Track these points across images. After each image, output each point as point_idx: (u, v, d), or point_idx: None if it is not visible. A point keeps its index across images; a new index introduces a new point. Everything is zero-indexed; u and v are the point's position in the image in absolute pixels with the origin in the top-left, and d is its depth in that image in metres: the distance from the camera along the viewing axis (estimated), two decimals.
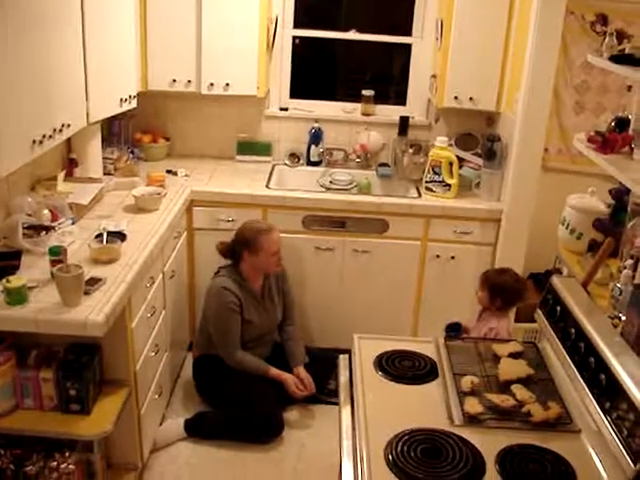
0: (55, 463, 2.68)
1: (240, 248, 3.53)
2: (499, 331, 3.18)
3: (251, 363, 3.55)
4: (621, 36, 2.67)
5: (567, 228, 3.38)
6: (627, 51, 2.72)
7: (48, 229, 3.00)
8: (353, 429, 2.07)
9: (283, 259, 3.64)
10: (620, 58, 2.61)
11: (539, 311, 2.49)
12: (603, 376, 1.91)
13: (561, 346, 2.22)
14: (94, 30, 3.11)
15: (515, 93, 3.64)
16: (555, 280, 2.46)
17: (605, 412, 1.86)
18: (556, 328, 2.31)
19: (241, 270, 3.57)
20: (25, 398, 2.68)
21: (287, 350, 3.73)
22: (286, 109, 4.51)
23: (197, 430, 3.49)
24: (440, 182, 3.96)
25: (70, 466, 2.69)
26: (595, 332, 2.05)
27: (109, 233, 3.09)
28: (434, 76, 4.13)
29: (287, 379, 3.55)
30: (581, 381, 2.03)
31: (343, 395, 2.30)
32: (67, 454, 2.71)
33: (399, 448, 1.86)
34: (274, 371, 3.55)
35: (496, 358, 2.33)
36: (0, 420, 2.63)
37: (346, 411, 2.21)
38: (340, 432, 2.14)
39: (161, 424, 3.49)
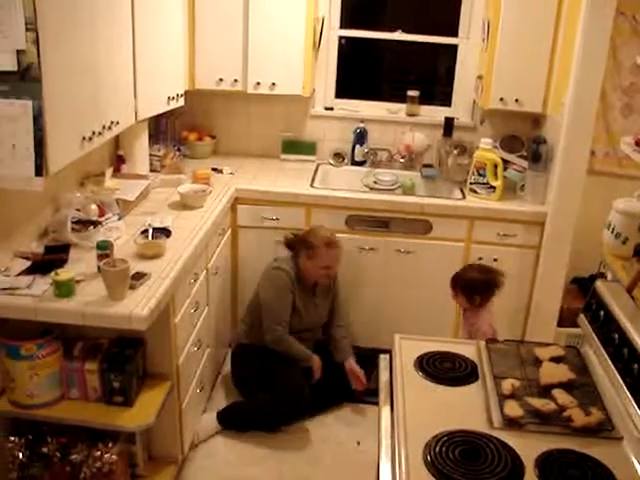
0: (99, 453, 2.74)
1: (300, 247, 3.59)
2: (480, 327, 3.20)
3: (294, 344, 3.55)
4: None
5: (612, 232, 3.32)
6: None
7: (95, 224, 3.07)
8: (392, 429, 2.07)
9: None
10: None
11: (582, 316, 2.46)
12: None
13: (604, 351, 2.20)
14: (144, 29, 3.17)
15: (562, 95, 3.60)
16: (599, 285, 2.43)
17: None
18: (599, 333, 2.28)
19: (299, 263, 3.61)
20: (71, 388, 2.75)
21: (336, 346, 3.76)
22: (331, 109, 4.53)
23: (230, 420, 3.53)
24: (484, 184, 3.93)
25: (113, 456, 2.75)
26: (639, 338, 2.03)
27: (154, 229, 3.14)
28: (480, 77, 4.10)
29: (316, 362, 3.59)
30: (624, 387, 2.01)
31: (383, 395, 2.30)
32: (110, 445, 2.76)
33: (438, 449, 1.86)
34: (315, 358, 3.57)
35: (537, 362, 2.31)
36: (47, 409, 2.70)
37: (386, 411, 2.21)
38: (379, 432, 2.14)
39: None
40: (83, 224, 3.04)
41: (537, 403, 2.06)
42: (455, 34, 4.36)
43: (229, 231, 3.94)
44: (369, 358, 3.58)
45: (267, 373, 3.57)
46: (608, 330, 2.22)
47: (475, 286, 3.25)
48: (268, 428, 3.54)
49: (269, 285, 3.58)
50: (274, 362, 3.56)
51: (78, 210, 3.10)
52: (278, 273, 3.56)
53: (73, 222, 3.00)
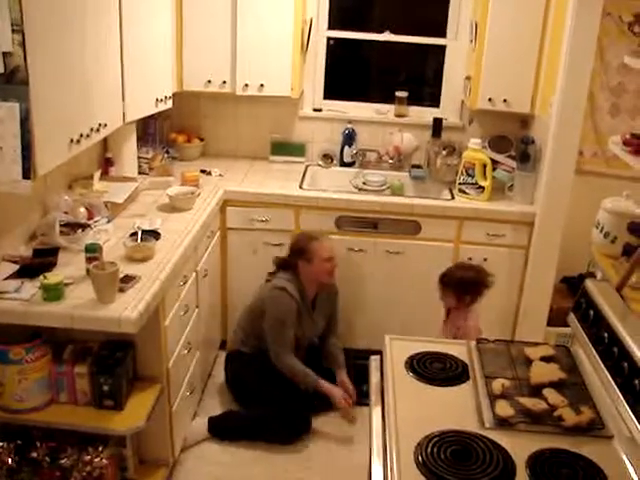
0: (89, 457, 2.71)
1: (295, 258, 3.57)
2: (466, 330, 3.19)
3: (300, 371, 3.52)
4: None
5: (601, 231, 3.34)
6: None
7: (84, 227, 3.06)
8: (383, 430, 2.07)
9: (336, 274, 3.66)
10: None
11: (572, 315, 2.47)
12: (637, 381, 1.90)
13: (594, 350, 2.21)
14: (131, 31, 3.15)
15: (550, 95, 3.61)
16: (589, 284, 2.44)
17: (639, 418, 1.85)
18: (589, 332, 2.29)
19: (300, 274, 3.59)
20: (60, 392, 2.73)
21: (329, 355, 3.74)
22: (320, 110, 4.53)
23: (222, 428, 3.51)
24: (473, 184, 3.94)
25: (103, 460, 2.73)
26: (629, 336, 2.03)
27: (144, 232, 3.13)
28: (468, 78, 4.11)
29: (336, 394, 3.51)
30: (614, 386, 2.02)
31: (374, 396, 2.30)
32: (100, 448, 2.74)
33: (429, 449, 1.86)
34: (324, 384, 3.51)
35: (528, 361, 2.32)
36: (36, 413, 2.68)
37: (377, 412, 2.21)
38: (370, 432, 2.14)
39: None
40: (72, 227, 3.03)
41: (528, 403, 2.06)
42: (443, 35, 4.37)
43: (218, 233, 3.93)
44: (363, 366, 3.59)
45: (266, 385, 3.55)
46: (598, 329, 2.23)
47: (468, 285, 3.24)
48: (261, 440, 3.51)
49: (275, 309, 3.52)
50: (274, 376, 3.53)
51: (66, 213, 3.09)
52: (284, 297, 3.51)
53: (61, 225, 2.98)
